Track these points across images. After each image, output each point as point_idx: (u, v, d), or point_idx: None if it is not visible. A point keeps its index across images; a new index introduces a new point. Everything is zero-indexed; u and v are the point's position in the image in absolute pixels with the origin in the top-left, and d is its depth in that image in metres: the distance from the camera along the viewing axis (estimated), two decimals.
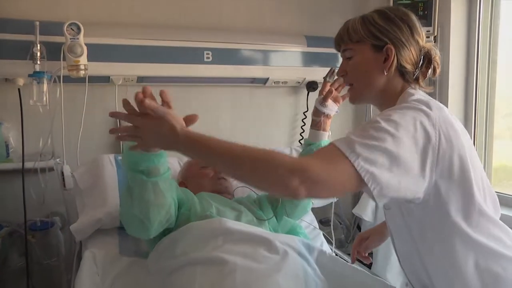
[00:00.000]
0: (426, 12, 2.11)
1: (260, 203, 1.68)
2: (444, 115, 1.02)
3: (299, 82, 2.41)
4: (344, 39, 1.17)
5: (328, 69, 1.64)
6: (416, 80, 1.15)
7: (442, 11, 2.15)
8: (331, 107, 1.55)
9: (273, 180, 0.91)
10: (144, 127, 1.05)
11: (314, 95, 2.39)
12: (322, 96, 1.56)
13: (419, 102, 1.04)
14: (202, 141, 0.98)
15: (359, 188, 0.93)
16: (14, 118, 1.93)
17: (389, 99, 1.13)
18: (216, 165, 1.11)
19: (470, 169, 1.01)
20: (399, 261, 1.23)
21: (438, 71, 1.17)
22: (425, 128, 0.97)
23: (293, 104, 2.52)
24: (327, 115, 1.57)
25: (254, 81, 2.34)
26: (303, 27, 2.44)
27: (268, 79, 2.32)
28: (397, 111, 1.00)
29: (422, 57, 1.13)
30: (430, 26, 2.11)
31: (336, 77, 1.56)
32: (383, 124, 0.95)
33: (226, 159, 0.96)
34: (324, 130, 1.59)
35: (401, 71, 1.13)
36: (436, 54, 1.16)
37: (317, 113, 1.58)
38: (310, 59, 2.37)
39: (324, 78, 1.60)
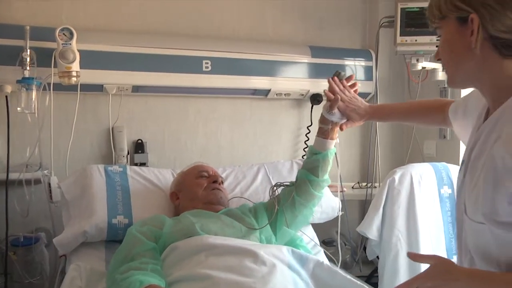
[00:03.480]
0: None
1: (255, 212, 1.62)
2: None
3: (302, 95, 2.32)
4: (430, 18, 1.03)
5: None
6: None
7: None
8: (339, 115, 1.51)
9: None
10: None
11: (319, 109, 2.32)
12: (329, 103, 1.50)
13: None
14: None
15: None
16: (0, 126, 1.85)
17: (495, 86, 0.96)
18: None
19: None
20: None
21: None
22: None
23: (296, 118, 2.42)
24: (336, 122, 1.52)
25: (255, 92, 2.27)
26: (308, 36, 2.37)
27: (270, 90, 2.24)
28: None
29: None
30: None
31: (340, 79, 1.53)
32: None
33: None
34: (331, 138, 1.54)
35: (497, 45, 0.91)
36: None
37: (325, 120, 1.53)
38: (314, 71, 2.28)
39: (328, 79, 1.55)
